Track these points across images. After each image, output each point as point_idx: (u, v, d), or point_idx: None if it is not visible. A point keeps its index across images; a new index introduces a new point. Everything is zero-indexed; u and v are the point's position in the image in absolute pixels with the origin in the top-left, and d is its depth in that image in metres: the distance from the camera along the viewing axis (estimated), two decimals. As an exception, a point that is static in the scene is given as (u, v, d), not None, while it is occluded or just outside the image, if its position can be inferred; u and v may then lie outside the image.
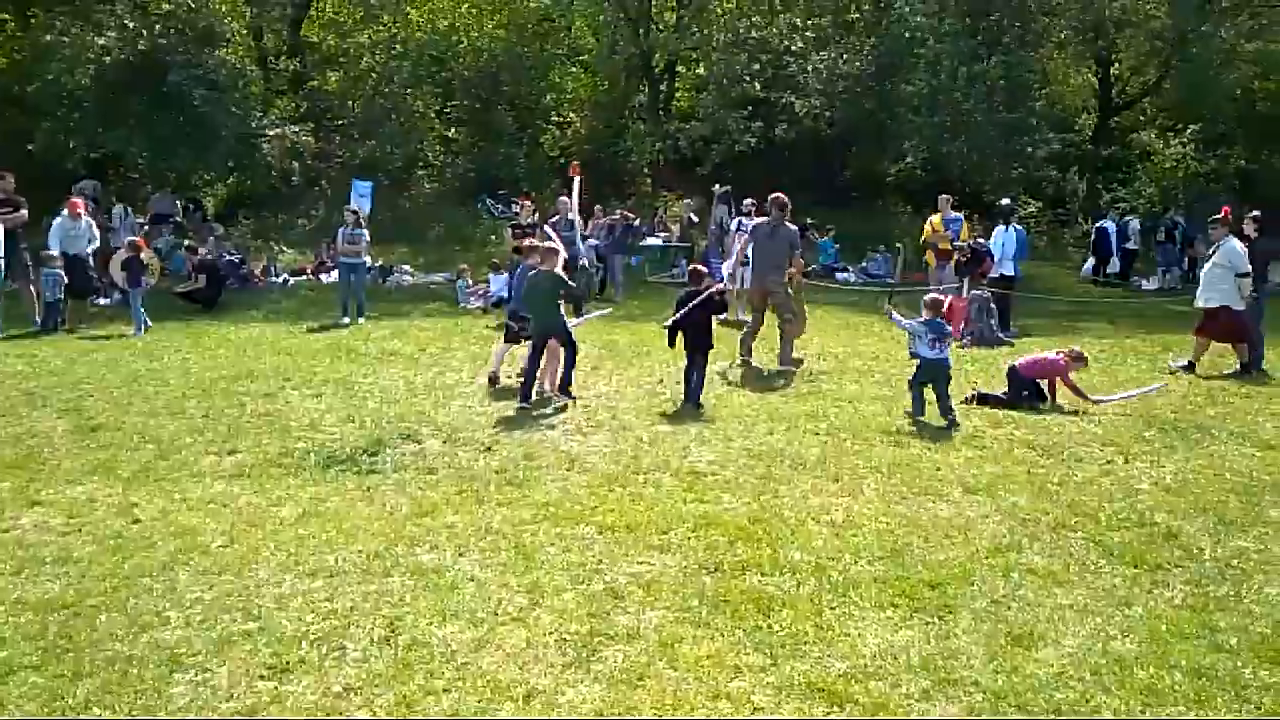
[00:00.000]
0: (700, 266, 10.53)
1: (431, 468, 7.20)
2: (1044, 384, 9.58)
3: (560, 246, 10.26)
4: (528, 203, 16.00)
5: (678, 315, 9.43)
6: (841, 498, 6.65)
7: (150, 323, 13.58)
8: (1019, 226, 15.02)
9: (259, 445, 7.75)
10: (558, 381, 9.52)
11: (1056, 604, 4.96)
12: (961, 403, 9.24)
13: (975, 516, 6.27)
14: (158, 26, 21.68)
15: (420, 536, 5.76)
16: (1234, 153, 28.40)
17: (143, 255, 14.49)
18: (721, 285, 10.29)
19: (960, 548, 5.71)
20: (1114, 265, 22.47)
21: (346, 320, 14.44)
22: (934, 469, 7.36)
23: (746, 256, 15.30)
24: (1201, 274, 11.71)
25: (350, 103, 27.56)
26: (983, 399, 9.50)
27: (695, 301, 9.41)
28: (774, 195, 11.48)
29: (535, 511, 6.23)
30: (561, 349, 9.49)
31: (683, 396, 9.26)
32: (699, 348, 9.43)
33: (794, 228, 11.53)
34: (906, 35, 23.65)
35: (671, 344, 9.59)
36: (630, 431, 8.39)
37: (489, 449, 7.71)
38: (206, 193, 25.57)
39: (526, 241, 10.96)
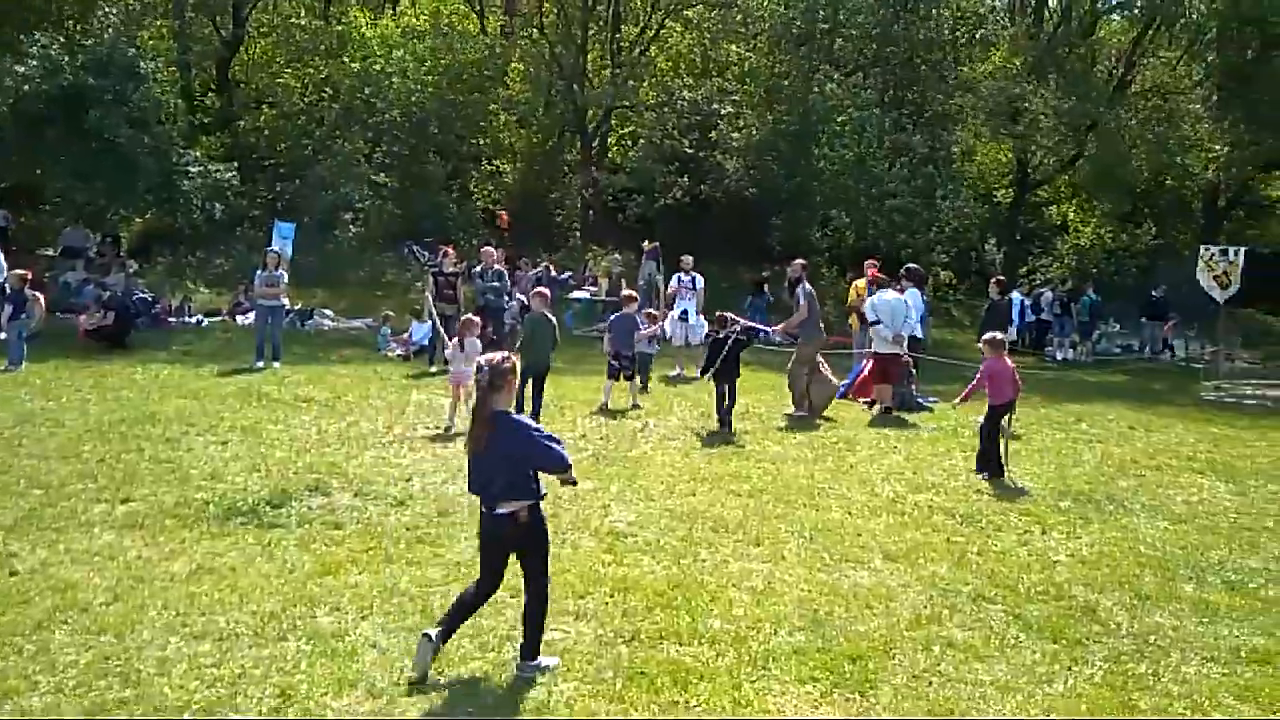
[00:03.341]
0: (725, 313, 11.67)
1: (338, 522, 6.88)
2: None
3: (547, 292, 11.70)
4: (452, 251, 15.77)
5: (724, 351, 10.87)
6: (763, 563, 6.52)
7: (25, 361, 12.92)
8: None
9: (155, 494, 7.35)
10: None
11: (977, 680, 4.86)
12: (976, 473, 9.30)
13: (896, 585, 6.18)
14: (81, 58, 21.13)
15: (321, 597, 5.45)
16: (1143, 229, 29.55)
17: (27, 291, 13.84)
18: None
19: (881, 618, 5.60)
20: (1012, 334, 22.86)
21: (261, 364, 13.99)
22: (855, 534, 7.28)
23: (684, 312, 15.38)
24: None
25: (277, 143, 27.15)
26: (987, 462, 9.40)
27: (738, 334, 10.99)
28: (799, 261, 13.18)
29: (446, 572, 5.97)
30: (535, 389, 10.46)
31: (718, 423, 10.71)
32: (728, 377, 10.80)
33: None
34: (829, 104, 24.18)
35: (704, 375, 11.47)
36: (550, 488, 8.12)
37: (401, 503, 7.43)
38: (122, 227, 24.85)
39: (626, 291, 13.55)
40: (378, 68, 27.12)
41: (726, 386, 10.89)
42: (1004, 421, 9.35)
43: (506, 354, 4.82)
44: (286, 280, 15.04)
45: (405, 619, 5.21)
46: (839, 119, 23.92)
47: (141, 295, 18.94)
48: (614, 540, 6.80)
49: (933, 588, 6.17)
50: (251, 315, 16.85)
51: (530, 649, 4.67)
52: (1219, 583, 6.53)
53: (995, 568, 6.64)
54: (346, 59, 27.21)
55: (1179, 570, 6.77)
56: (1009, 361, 9.58)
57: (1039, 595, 6.11)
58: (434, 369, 14.29)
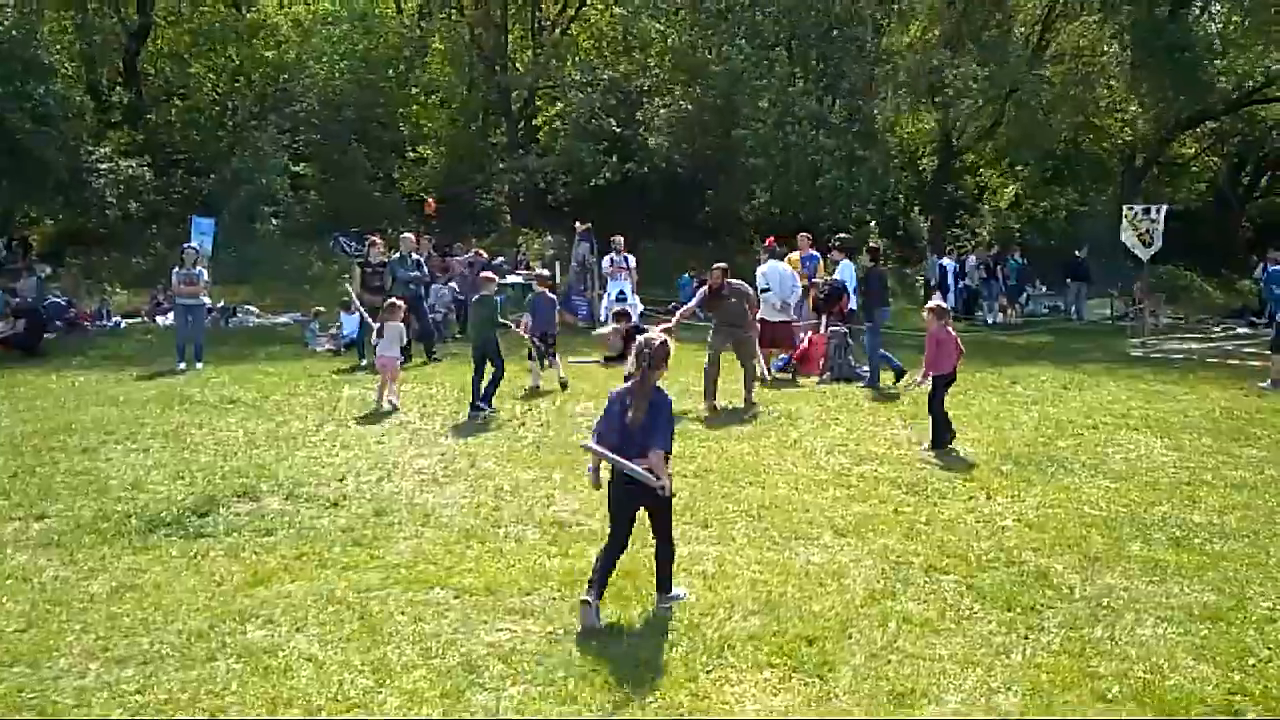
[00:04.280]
0: (625, 308, 11.88)
1: (269, 528, 6.57)
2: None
3: (494, 275, 11.99)
4: (380, 241, 15.34)
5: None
6: (712, 545, 6.38)
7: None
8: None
9: (72, 509, 6.95)
10: (483, 393, 10.61)
11: (935, 655, 4.76)
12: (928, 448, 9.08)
13: (847, 561, 6.08)
14: (-23, 53, 20.18)
15: (252, 610, 5.16)
16: (1064, 193, 30.00)
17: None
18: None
19: (835, 596, 5.49)
20: (950, 301, 23.07)
21: (183, 366, 13.50)
22: (803, 510, 7.18)
23: (621, 293, 15.20)
24: None
25: (190, 136, 26.29)
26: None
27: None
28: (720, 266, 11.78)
29: (385, 575, 5.71)
30: (489, 365, 10.72)
31: None
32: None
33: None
34: (748, 77, 24.03)
35: None
36: (490, 480, 7.95)
37: (335, 505, 7.13)
38: (33, 230, 23.89)
39: (543, 272, 14.05)
40: (292, 55, 26.40)
41: None
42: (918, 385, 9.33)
43: (664, 337, 5.35)
44: (206, 277, 14.51)
45: (342, 628, 4.95)
46: (760, 92, 23.80)
47: (55, 300, 18.23)
48: (558, 531, 6.61)
49: (885, 561, 6.09)
50: (172, 315, 16.28)
51: (663, 585, 5.27)
52: (1165, 540, 6.55)
53: (945, 537, 6.58)
54: (258, 45, 26.42)
55: (1124, 529, 6.78)
56: (951, 330, 9.44)
57: (990, 563, 6.06)
58: (364, 362, 13.92)
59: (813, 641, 4.86)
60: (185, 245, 14.95)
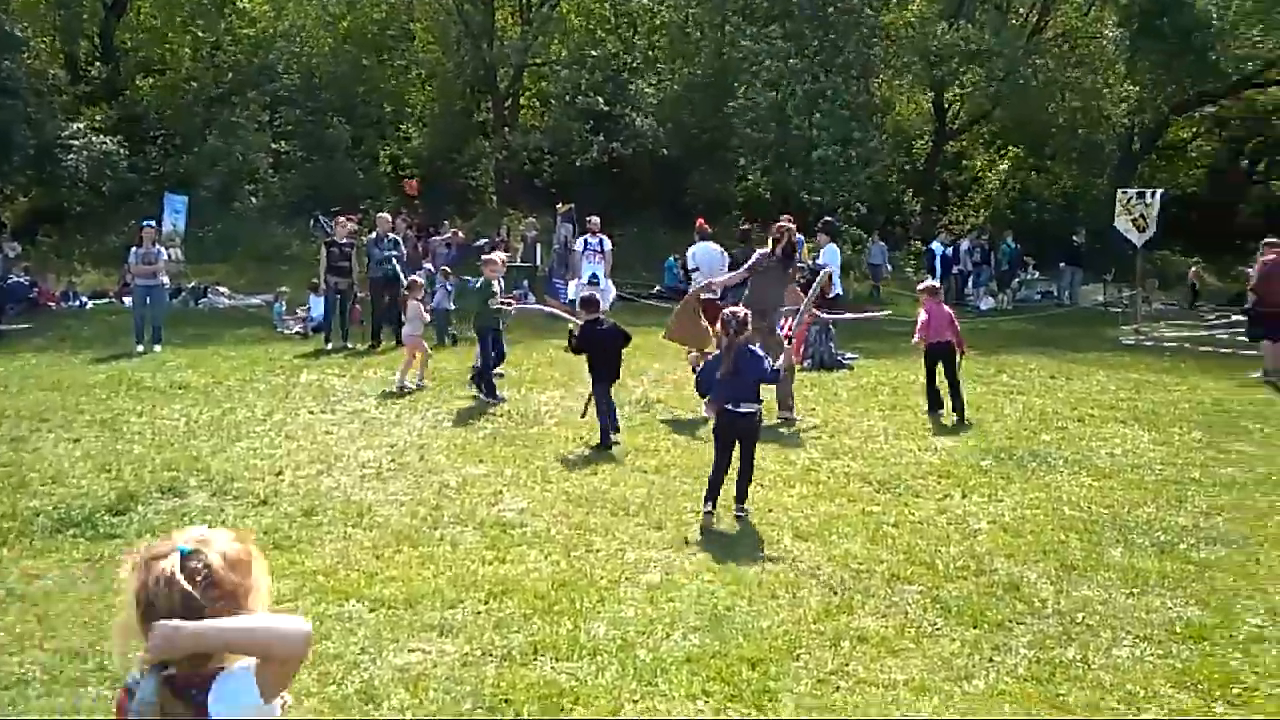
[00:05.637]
0: (595, 294, 10.28)
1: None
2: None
3: (496, 258, 11.54)
4: (346, 220, 14.82)
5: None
6: (663, 550, 5.94)
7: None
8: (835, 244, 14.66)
9: (-20, 506, 6.50)
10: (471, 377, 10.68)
11: (890, 680, 4.32)
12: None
13: (805, 569, 5.64)
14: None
15: (143, 625, 4.70)
16: (1059, 176, 29.48)
17: None
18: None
19: (786, 610, 5.05)
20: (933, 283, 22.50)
21: (140, 348, 13.01)
22: (765, 510, 6.74)
23: (594, 276, 14.68)
24: None
25: (167, 112, 25.74)
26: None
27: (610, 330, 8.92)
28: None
29: (300, 583, 5.25)
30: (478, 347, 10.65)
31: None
32: (605, 375, 8.78)
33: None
34: (740, 56, 23.43)
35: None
36: (437, 475, 7.50)
37: (264, 502, 6.67)
38: (5, 207, 23.37)
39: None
40: (270, 31, 25.84)
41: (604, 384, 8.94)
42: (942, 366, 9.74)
43: (745, 311, 6.82)
44: (165, 256, 14.03)
45: (238, 647, 4.49)
46: (754, 69, 23.20)
47: (18, 279, 17.73)
48: (499, 533, 6.16)
49: (845, 569, 5.64)
50: (137, 296, 15.80)
51: (741, 498, 6.61)
52: (1148, 545, 6.10)
53: (912, 541, 6.14)
54: (236, 21, 25.85)
55: (1105, 533, 6.34)
56: (945, 308, 10.06)
57: (958, 572, 5.61)
58: (330, 346, 13.47)
59: (756, 664, 4.41)
60: (144, 223, 14.41)
